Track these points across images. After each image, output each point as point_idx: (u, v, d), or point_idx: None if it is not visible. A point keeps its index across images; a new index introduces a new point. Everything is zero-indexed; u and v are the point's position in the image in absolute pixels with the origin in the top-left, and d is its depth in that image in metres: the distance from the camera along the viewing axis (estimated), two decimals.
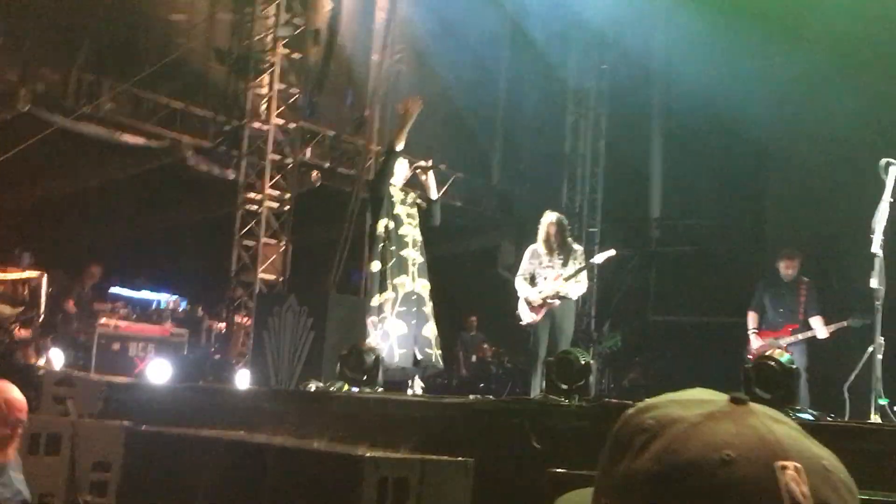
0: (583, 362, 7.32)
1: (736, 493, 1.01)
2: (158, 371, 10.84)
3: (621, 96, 18.16)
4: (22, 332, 12.68)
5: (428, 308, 9.46)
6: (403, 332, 9.19)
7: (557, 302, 10.02)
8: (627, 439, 1.10)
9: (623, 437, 1.11)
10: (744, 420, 1.06)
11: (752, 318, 10.92)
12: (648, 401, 1.14)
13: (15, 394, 4.72)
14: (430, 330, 9.39)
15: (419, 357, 9.17)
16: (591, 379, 7.40)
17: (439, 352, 9.44)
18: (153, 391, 9.49)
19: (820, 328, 10.37)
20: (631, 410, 1.14)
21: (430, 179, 9.80)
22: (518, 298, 10.25)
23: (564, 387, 7.26)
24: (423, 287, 9.47)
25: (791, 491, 1.00)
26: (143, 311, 14.51)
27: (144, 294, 15.66)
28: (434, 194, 9.80)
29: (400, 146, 9.56)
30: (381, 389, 8.48)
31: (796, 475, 1.01)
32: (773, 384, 6.33)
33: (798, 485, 1.00)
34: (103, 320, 13.06)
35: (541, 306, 10.04)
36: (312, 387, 9.17)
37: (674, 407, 1.10)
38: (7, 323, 12.77)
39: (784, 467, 1.01)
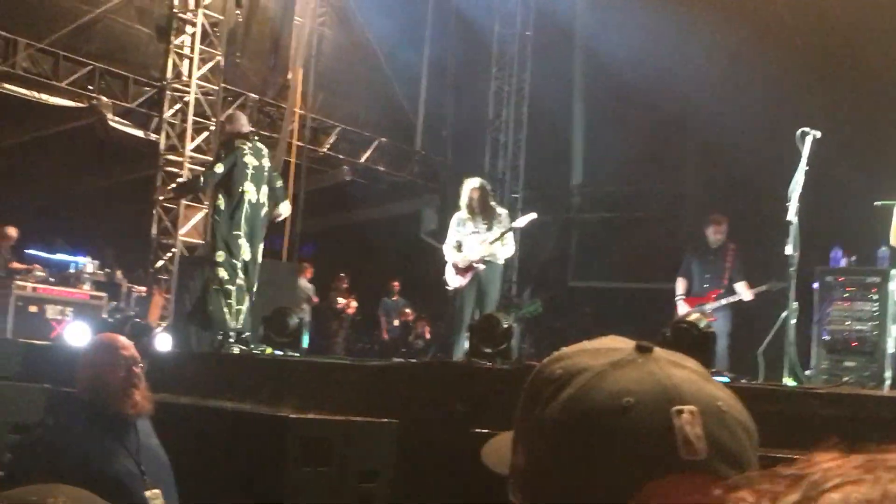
0: (505, 325, 7.43)
1: (634, 436, 1.07)
2: (77, 334, 10.72)
3: (544, 63, 18.25)
4: None
5: None
6: None
7: (482, 266, 10.08)
8: (539, 389, 1.17)
9: (535, 387, 1.18)
10: (645, 367, 1.13)
11: (680, 285, 11.01)
12: (561, 350, 1.19)
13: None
14: None
15: None
16: (513, 343, 7.52)
17: None
18: (72, 354, 9.39)
19: (744, 291, 10.54)
20: (545, 360, 1.19)
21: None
22: (446, 264, 10.29)
23: (487, 350, 7.37)
24: None
25: (685, 433, 1.06)
26: (61, 274, 14.28)
27: (62, 257, 15.40)
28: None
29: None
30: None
31: (690, 418, 1.07)
32: (690, 348, 6.49)
33: (692, 427, 1.07)
34: (19, 282, 12.84)
35: (466, 270, 10.10)
36: (236, 350, 9.17)
37: (583, 356, 1.16)
38: None
39: (679, 411, 1.07)
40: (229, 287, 9.36)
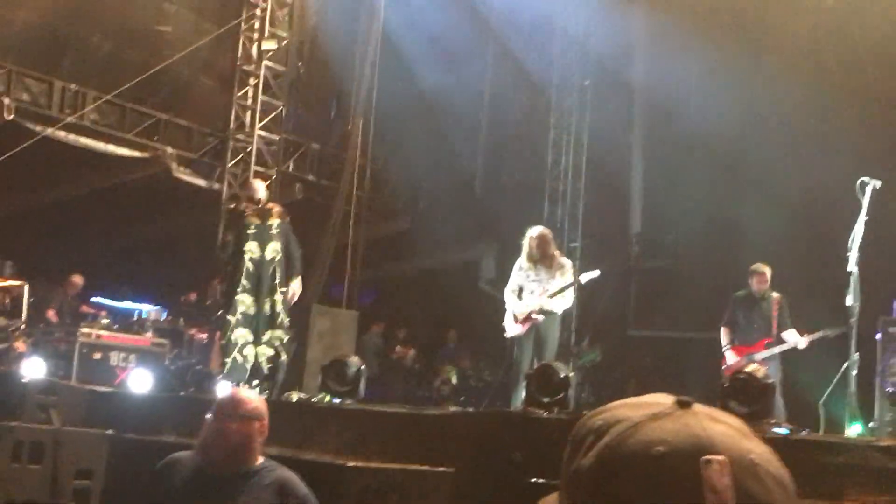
0: (562, 375, 7.41)
1: (664, 484, 1.10)
2: (140, 381, 10.88)
3: (602, 112, 18.27)
4: (20, 346, 12.62)
5: None
6: None
7: (541, 317, 10.07)
8: (580, 440, 1.20)
9: (577, 439, 1.21)
10: (682, 419, 1.16)
11: (725, 334, 10.95)
12: (605, 405, 1.24)
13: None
14: None
15: None
16: (571, 392, 7.49)
17: None
18: (135, 400, 9.53)
19: (798, 339, 10.40)
20: (587, 414, 1.24)
21: None
22: (506, 311, 10.30)
23: (545, 399, 7.35)
24: None
25: (712, 482, 1.09)
26: (125, 322, 14.50)
27: (126, 304, 15.65)
28: None
29: None
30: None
31: (719, 468, 1.10)
32: (749, 399, 6.44)
33: (720, 476, 1.10)
34: (85, 330, 13.04)
35: (525, 320, 10.10)
36: (294, 397, 9.25)
37: (623, 409, 1.20)
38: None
39: (709, 461, 1.10)
40: (230, 341, 10.03)
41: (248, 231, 10.18)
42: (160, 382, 10.59)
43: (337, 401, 8.56)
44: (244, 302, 10.04)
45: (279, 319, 10.15)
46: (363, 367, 8.69)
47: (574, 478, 1.18)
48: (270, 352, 10.07)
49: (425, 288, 18.66)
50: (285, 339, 10.22)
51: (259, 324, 10.05)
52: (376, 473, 5.59)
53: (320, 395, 8.98)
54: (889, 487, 5.38)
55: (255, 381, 9.92)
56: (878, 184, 7.98)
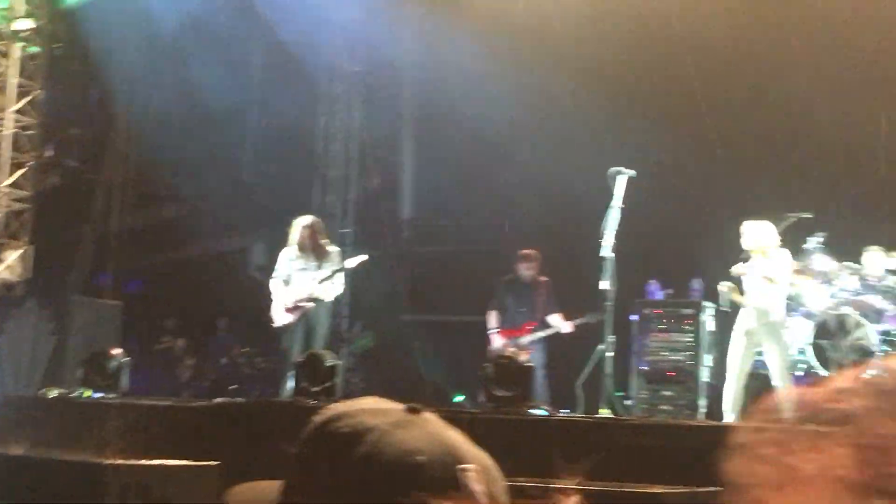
0: (330, 364, 7.45)
1: (431, 490, 1.18)
2: None
3: (373, 98, 18.35)
4: None
5: None
6: None
7: (311, 304, 10.05)
8: (326, 445, 1.26)
9: (321, 443, 1.27)
10: (423, 427, 1.26)
11: (492, 318, 11.24)
12: (336, 409, 1.29)
13: None
14: None
15: None
16: (338, 380, 7.54)
17: None
18: None
19: (562, 323, 10.77)
20: (321, 419, 1.28)
21: None
22: (272, 300, 10.23)
23: (313, 388, 7.37)
24: None
25: (474, 489, 1.20)
26: None
27: None
28: None
29: None
30: None
31: (475, 475, 1.22)
32: (510, 382, 6.64)
33: (477, 483, 1.21)
34: None
35: (295, 308, 10.06)
36: (53, 393, 8.91)
37: (363, 416, 1.27)
38: None
39: (466, 469, 1.22)
40: None
41: None
42: None
43: (98, 395, 8.31)
44: None
45: None
46: (126, 359, 8.47)
47: (332, 483, 1.23)
48: None
49: (194, 276, 18.30)
50: None
51: None
52: (137, 471, 5.47)
53: (80, 390, 8.69)
54: (638, 463, 5.65)
55: None
56: (633, 173, 8.35)
